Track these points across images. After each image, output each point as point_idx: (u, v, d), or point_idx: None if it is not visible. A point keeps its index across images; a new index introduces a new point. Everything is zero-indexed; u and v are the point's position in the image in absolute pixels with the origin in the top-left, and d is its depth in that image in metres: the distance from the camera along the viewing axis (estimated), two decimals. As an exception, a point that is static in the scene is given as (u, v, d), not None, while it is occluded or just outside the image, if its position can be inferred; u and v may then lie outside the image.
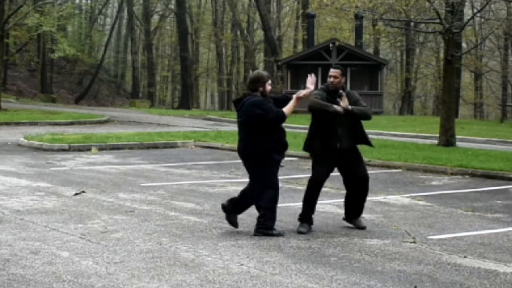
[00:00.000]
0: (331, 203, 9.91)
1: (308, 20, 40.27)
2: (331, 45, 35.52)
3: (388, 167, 14.51)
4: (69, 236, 7.37)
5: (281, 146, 7.78)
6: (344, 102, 7.92)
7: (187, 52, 48.74)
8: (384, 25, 28.36)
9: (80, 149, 16.49)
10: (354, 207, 8.26)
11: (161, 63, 63.93)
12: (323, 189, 11.27)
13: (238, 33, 54.25)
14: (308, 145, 8.30)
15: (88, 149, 16.36)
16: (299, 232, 7.81)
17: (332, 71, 8.17)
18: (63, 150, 16.43)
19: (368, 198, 10.41)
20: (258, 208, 7.77)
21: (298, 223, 8.17)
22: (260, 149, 7.63)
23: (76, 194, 10.06)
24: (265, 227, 7.60)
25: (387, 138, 21.85)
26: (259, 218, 7.67)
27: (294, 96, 7.82)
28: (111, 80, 62.36)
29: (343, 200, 10.19)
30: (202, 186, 11.21)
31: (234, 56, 57.34)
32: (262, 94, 7.71)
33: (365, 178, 8.22)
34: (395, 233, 7.96)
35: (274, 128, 7.68)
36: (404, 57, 50.51)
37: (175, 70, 58.44)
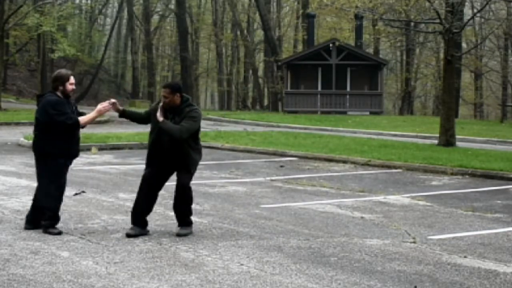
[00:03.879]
0: (331, 203, 9.91)
1: (308, 20, 40.26)
2: (331, 45, 35.52)
3: (388, 167, 14.51)
4: (69, 236, 7.37)
5: (68, 152, 7.66)
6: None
7: (187, 52, 48.71)
8: (384, 25, 28.31)
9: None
10: (176, 215, 7.82)
11: (161, 63, 63.90)
12: (323, 189, 11.32)
13: (238, 33, 54.21)
14: None
15: (88, 149, 16.35)
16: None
17: (162, 91, 7.70)
18: (63, 150, 16.41)
19: (368, 198, 10.47)
20: (38, 207, 7.63)
21: (297, 223, 8.18)
22: (45, 149, 7.55)
23: (76, 194, 10.05)
24: (46, 225, 7.50)
25: (387, 138, 21.85)
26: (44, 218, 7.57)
27: (96, 108, 7.72)
28: (111, 80, 62.35)
29: (343, 200, 10.24)
30: (202, 186, 11.21)
31: (234, 56, 57.31)
32: (63, 94, 7.59)
33: (181, 185, 7.64)
34: (395, 233, 7.96)
35: (63, 132, 7.52)
36: (404, 57, 50.48)
37: (175, 70, 58.40)
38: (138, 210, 7.60)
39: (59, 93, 7.58)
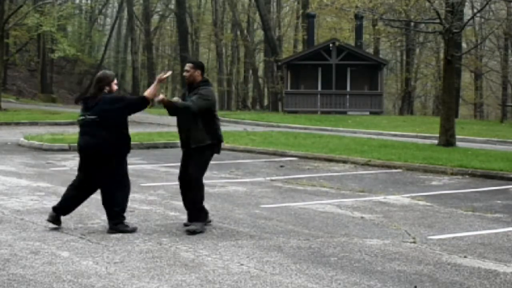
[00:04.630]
0: (331, 203, 9.91)
1: (308, 20, 40.25)
2: (331, 45, 35.52)
3: (388, 167, 14.51)
4: (69, 236, 7.37)
5: (130, 147, 7.91)
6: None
7: (187, 52, 48.71)
8: (384, 25, 28.31)
9: (80, 149, 16.48)
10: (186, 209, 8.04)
11: (161, 63, 63.87)
12: (323, 189, 11.31)
13: (238, 33, 54.22)
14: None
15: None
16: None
17: (186, 66, 8.11)
18: (63, 150, 16.43)
19: (368, 198, 10.47)
20: (111, 209, 7.71)
21: (297, 223, 8.18)
22: (117, 147, 7.71)
23: (76, 194, 10.04)
24: (117, 223, 7.64)
25: (387, 138, 21.84)
26: (114, 218, 7.68)
27: (157, 78, 7.85)
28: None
29: (343, 200, 10.23)
30: (202, 186, 11.20)
31: (234, 56, 57.32)
32: (108, 94, 7.81)
33: (190, 176, 7.93)
34: (395, 233, 7.96)
35: (125, 127, 7.76)
36: (404, 57, 50.48)
37: (175, 70, 58.39)
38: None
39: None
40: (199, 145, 7.84)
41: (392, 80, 55.90)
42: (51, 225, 7.71)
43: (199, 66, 8.03)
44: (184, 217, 8.24)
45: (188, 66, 8.01)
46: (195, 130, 7.83)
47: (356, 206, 9.69)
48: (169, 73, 7.91)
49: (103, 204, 7.82)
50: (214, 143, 8.00)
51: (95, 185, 7.85)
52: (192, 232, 7.59)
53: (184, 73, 8.01)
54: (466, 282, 6.00)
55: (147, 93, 7.81)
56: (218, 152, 8.20)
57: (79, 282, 5.70)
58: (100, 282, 5.71)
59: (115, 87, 7.85)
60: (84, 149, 7.77)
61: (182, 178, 8.02)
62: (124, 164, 7.82)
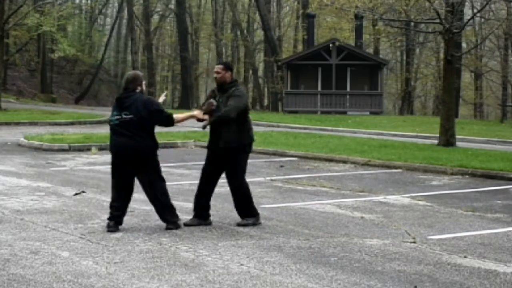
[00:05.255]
0: (331, 203, 9.91)
1: (308, 20, 40.26)
2: (331, 45, 35.52)
3: (388, 167, 14.50)
4: (69, 236, 7.37)
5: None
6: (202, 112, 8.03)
7: (187, 52, 48.70)
8: (384, 25, 28.34)
9: (80, 149, 16.50)
10: (236, 207, 8.29)
11: (161, 63, 63.90)
12: (323, 189, 11.31)
13: (238, 33, 54.23)
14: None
15: (88, 149, 16.36)
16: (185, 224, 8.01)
17: (216, 67, 8.26)
18: (63, 150, 16.43)
19: (368, 198, 10.46)
20: (158, 202, 7.86)
21: (297, 223, 8.18)
22: (152, 146, 7.85)
23: (76, 194, 10.06)
24: (175, 221, 7.85)
25: (387, 138, 21.84)
26: (167, 211, 7.84)
27: (194, 113, 8.11)
28: (111, 80, 62.34)
29: (343, 200, 10.24)
30: (202, 186, 11.20)
31: (234, 56, 57.30)
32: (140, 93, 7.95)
33: (234, 186, 8.17)
34: (395, 233, 7.96)
35: (153, 128, 7.91)
36: (404, 57, 50.49)
37: (175, 70, 58.41)
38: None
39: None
40: (229, 146, 7.98)
41: (392, 80, 55.90)
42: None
43: (229, 67, 8.20)
44: (184, 217, 8.24)
45: (218, 67, 8.14)
46: (227, 131, 7.96)
47: (356, 206, 9.69)
48: (213, 102, 8.02)
49: (152, 200, 7.88)
50: (247, 143, 8.15)
51: (132, 184, 7.92)
52: (244, 225, 7.97)
53: (215, 75, 8.12)
54: (466, 282, 6.00)
55: (176, 117, 7.96)
56: (249, 151, 8.34)
57: (79, 282, 5.70)
58: (100, 282, 5.71)
59: (144, 87, 7.99)
60: (121, 150, 7.84)
61: (207, 176, 8.21)
62: (159, 161, 8.00)
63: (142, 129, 7.71)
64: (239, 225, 8.02)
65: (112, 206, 7.84)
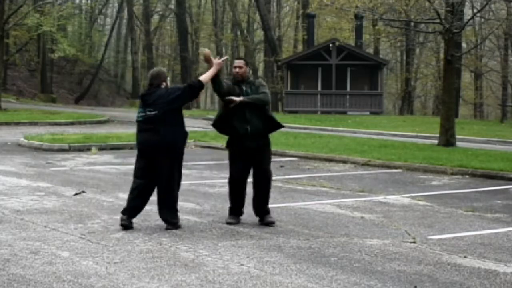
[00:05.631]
0: (331, 203, 9.91)
1: (308, 20, 40.27)
2: (331, 45, 35.53)
3: (388, 167, 14.51)
4: (69, 236, 7.37)
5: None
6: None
7: (187, 52, 48.70)
8: (384, 25, 28.33)
9: (80, 149, 16.50)
10: (257, 203, 8.36)
11: (161, 63, 63.83)
12: (323, 189, 11.31)
13: (238, 33, 54.24)
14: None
15: (88, 149, 16.36)
16: (227, 223, 8.14)
17: (237, 62, 8.37)
18: (63, 150, 16.43)
19: (368, 198, 10.47)
20: (166, 200, 7.87)
21: (297, 223, 8.18)
22: (179, 141, 7.92)
23: (76, 194, 10.06)
24: (176, 222, 7.86)
25: (387, 138, 21.84)
26: (170, 212, 7.85)
27: (215, 61, 8.00)
28: (111, 80, 62.36)
29: (343, 200, 10.24)
30: (202, 186, 11.21)
31: (234, 56, 57.24)
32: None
33: (263, 170, 8.26)
34: (395, 233, 7.96)
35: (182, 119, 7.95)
36: (404, 57, 50.51)
37: (175, 70, 58.41)
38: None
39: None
40: (262, 138, 8.21)
41: (392, 80, 55.92)
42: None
43: (248, 62, 8.56)
44: (184, 217, 8.25)
45: (240, 62, 8.31)
46: (257, 118, 8.12)
47: (356, 206, 9.69)
48: (226, 57, 8.39)
49: (161, 196, 7.89)
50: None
51: (155, 181, 7.91)
52: (274, 223, 8.12)
53: (237, 70, 8.23)
54: (466, 282, 6.00)
55: (203, 77, 7.98)
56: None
57: (79, 282, 5.70)
58: (100, 282, 5.71)
59: (169, 83, 8.09)
60: (146, 147, 7.87)
61: (243, 177, 8.29)
62: (182, 158, 8.02)
63: (168, 123, 7.76)
64: (272, 223, 8.12)
65: (131, 198, 7.91)
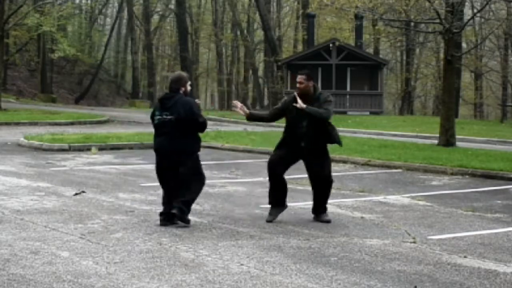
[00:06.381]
0: (331, 203, 9.89)
1: (308, 20, 40.28)
2: (331, 45, 35.54)
3: (388, 167, 14.51)
4: (69, 236, 7.36)
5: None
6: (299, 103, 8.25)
7: (187, 52, 48.70)
8: (384, 25, 28.35)
9: (80, 149, 16.50)
10: (316, 203, 8.62)
11: (161, 63, 63.92)
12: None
13: (238, 33, 54.23)
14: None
15: (88, 149, 16.36)
16: (267, 221, 8.30)
17: (298, 77, 8.43)
18: (63, 150, 16.43)
19: (368, 198, 10.47)
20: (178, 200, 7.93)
21: (297, 223, 8.20)
22: (195, 146, 8.03)
23: (76, 194, 10.06)
24: (183, 216, 7.93)
25: (387, 138, 21.84)
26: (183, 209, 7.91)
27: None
28: (111, 80, 62.36)
29: (343, 200, 10.24)
30: (202, 186, 11.20)
31: (234, 56, 57.34)
32: (184, 94, 8.06)
33: (324, 177, 8.48)
34: (395, 233, 7.96)
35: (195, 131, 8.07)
36: (404, 57, 50.52)
37: (175, 70, 58.30)
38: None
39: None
40: (317, 146, 8.35)
41: (392, 80, 55.92)
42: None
43: (310, 77, 8.38)
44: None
45: (301, 78, 8.33)
46: (313, 132, 8.24)
47: (356, 206, 9.69)
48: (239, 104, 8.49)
49: (178, 193, 7.95)
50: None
51: (176, 181, 7.99)
52: (329, 221, 8.35)
53: (298, 85, 8.31)
54: (466, 282, 6.00)
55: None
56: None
57: (79, 282, 5.70)
58: (100, 282, 5.71)
59: (189, 88, 8.09)
60: (161, 150, 7.98)
61: (279, 174, 8.55)
62: (199, 162, 8.11)
63: (182, 129, 7.84)
64: (327, 221, 8.34)
65: (163, 202, 8.09)
